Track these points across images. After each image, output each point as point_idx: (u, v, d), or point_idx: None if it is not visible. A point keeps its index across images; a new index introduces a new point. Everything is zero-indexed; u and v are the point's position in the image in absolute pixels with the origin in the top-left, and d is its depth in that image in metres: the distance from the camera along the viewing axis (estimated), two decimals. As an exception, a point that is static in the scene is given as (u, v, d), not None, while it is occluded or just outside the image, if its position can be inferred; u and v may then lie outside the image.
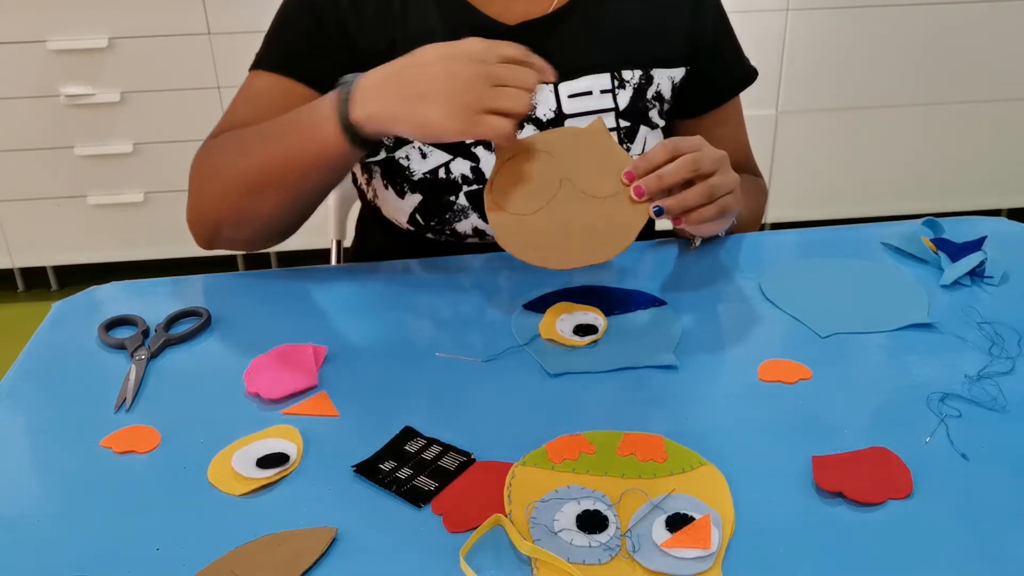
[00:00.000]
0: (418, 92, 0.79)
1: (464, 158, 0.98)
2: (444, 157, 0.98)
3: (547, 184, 0.85)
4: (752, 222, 1.10)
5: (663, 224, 1.07)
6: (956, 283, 0.90)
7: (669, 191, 0.84)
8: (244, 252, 0.97)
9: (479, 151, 0.98)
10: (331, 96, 0.85)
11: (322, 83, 0.93)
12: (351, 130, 0.83)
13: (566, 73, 1.00)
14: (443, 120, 0.78)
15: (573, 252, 0.84)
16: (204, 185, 0.93)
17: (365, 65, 0.88)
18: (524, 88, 0.79)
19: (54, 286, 2.61)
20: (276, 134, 0.88)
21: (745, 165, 1.14)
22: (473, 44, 0.80)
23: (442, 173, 0.98)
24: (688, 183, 0.84)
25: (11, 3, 2.19)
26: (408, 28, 0.97)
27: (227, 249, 0.98)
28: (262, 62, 0.98)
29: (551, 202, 0.85)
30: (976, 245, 0.93)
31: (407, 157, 0.99)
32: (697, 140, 0.86)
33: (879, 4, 2.38)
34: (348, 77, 0.85)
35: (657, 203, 0.84)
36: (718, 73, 1.08)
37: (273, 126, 0.89)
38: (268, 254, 2.68)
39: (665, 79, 1.03)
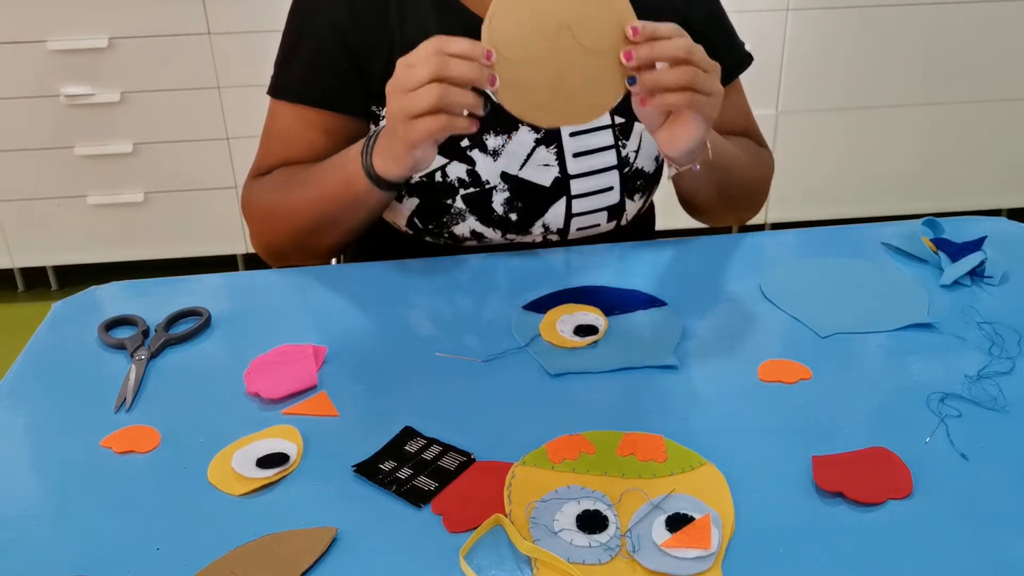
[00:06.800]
0: (390, 131, 0.85)
1: (460, 161, 0.98)
2: (440, 160, 0.98)
3: (545, 29, 0.83)
4: (750, 192, 1.09)
5: (664, 224, 1.07)
6: (956, 283, 0.90)
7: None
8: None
9: (475, 154, 0.98)
10: (358, 146, 0.93)
11: (337, 104, 1.00)
12: (375, 177, 0.91)
13: None
14: (394, 144, 0.85)
15: (557, 112, 0.86)
16: (263, 226, 1.04)
17: (369, 72, 0.98)
18: (432, 80, 0.79)
19: (54, 286, 2.61)
20: (319, 180, 0.96)
21: (751, 136, 1.12)
22: (417, 52, 0.81)
23: (438, 176, 0.98)
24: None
25: (11, 3, 2.19)
26: (405, 31, 0.98)
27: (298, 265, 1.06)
28: (278, 91, 1.03)
29: (547, 52, 0.83)
30: (976, 245, 0.93)
31: None
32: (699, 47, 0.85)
33: (879, 4, 2.38)
34: (376, 129, 0.91)
35: (633, 73, 0.82)
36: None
37: (314, 172, 0.98)
38: (268, 254, 2.68)
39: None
